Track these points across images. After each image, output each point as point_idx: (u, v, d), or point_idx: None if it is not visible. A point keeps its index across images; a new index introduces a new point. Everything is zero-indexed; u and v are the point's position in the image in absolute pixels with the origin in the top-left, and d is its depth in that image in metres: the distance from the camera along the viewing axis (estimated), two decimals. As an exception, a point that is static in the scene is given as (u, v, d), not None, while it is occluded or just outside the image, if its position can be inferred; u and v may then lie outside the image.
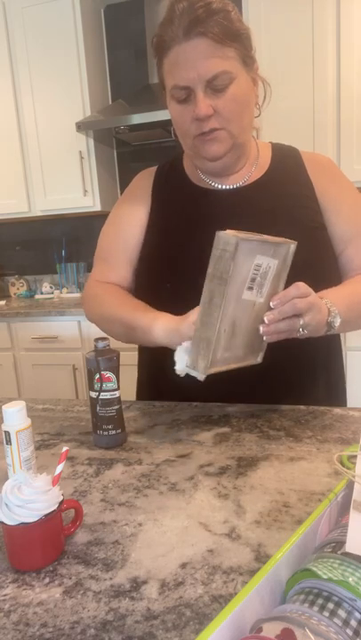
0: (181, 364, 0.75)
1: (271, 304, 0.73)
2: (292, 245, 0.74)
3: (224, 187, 0.96)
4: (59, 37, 2.61)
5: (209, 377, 0.73)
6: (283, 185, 0.96)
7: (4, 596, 0.49)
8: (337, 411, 0.89)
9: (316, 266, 0.89)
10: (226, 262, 0.66)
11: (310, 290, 0.74)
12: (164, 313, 0.84)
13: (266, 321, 0.72)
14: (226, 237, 0.66)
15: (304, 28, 2.29)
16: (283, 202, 0.94)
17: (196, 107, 0.82)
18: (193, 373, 0.73)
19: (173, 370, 0.76)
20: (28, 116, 2.74)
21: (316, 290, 0.76)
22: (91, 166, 2.71)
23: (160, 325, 0.82)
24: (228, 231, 0.66)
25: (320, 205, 0.95)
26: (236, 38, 0.82)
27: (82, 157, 2.69)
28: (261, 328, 0.73)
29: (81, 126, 2.53)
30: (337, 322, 0.79)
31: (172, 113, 0.89)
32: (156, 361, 0.82)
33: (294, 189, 0.95)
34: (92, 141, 2.69)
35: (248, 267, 0.69)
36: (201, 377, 0.72)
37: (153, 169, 1.06)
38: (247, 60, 0.85)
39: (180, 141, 0.93)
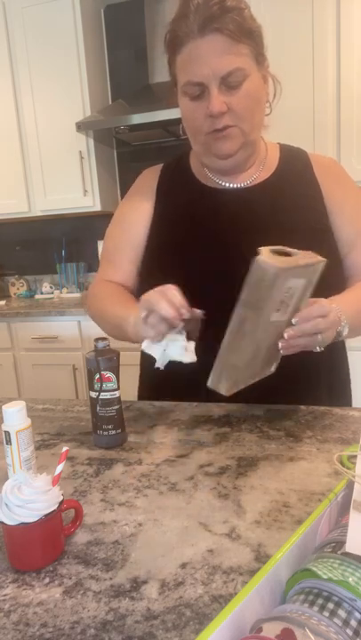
0: (159, 360, 0.76)
1: (293, 321, 0.71)
2: (322, 264, 0.71)
3: (231, 186, 0.96)
4: (59, 37, 2.61)
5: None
6: (290, 186, 0.95)
7: (4, 596, 0.49)
8: (337, 411, 0.89)
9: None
10: (263, 292, 0.63)
11: (331, 307, 0.73)
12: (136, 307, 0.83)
13: (285, 337, 0.71)
14: (265, 266, 0.62)
15: (304, 27, 2.29)
16: (289, 203, 0.94)
17: (210, 103, 0.82)
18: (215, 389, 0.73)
19: (173, 368, 0.76)
20: (28, 116, 2.74)
21: (322, 294, 0.76)
22: (91, 166, 2.71)
23: (132, 321, 0.83)
24: (266, 258, 0.62)
25: (326, 208, 0.95)
26: (249, 35, 0.82)
27: (82, 157, 2.69)
28: (280, 343, 0.72)
29: (81, 126, 2.53)
30: (345, 331, 0.78)
31: (183, 109, 0.88)
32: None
33: (301, 191, 0.95)
34: (92, 141, 2.69)
35: (281, 292, 0.67)
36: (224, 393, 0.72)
37: (158, 167, 1.05)
38: (259, 57, 0.86)
39: (190, 139, 0.92)
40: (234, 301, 0.72)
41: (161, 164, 1.05)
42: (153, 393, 1.04)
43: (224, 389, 0.71)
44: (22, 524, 0.51)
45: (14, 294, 3.25)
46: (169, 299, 0.73)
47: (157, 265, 0.97)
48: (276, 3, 2.29)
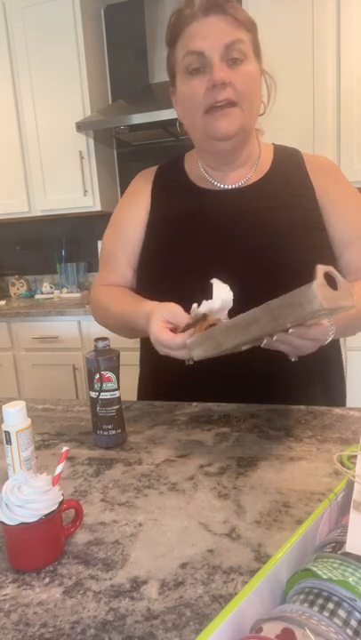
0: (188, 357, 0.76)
1: (290, 331, 0.70)
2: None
3: (225, 187, 0.97)
4: (59, 37, 2.61)
5: (209, 377, 0.72)
6: (283, 186, 0.96)
7: (4, 596, 0.49)
8: (337, 411, 0.89)
9: (311, 267, 0.89)
10: (294, 314, 0.62)
11: (328, 334, 0.73)
12: (146, 305, 0.84)
13: (273, 339, 0.71)
14: (314, 299, 0.59)
15: (304, 26, 2.29)
16: (282, 202, 0.94)
17: (212, 73, 0.83)
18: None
19: (174, 369, 0.77)
20: (28, 116, 2.74)
21: None
22: (91, 166, 2.71)
23: (143, 322, 0.82)
24: (319, 290, 0.59)
25: (320, 207, 0.95)
26: (248, 24, 0.86)
27: (82, 157, 2.69)
28: (266, 340, 0.71)
29: (81, 126, 2.53)
30: (329, 339, 0.77)
31: (183, 88, 0.88)
32: (155, 359, 0.82)
33: (294, 190, 0.95)
34: (92, 141, 2.69)
35: (308, 319, 0.66)
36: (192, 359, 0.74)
37: (153, 169, 1.06)
38: (257, 49, 0.88)
39: (187, 126, 0.93)
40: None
41: (156, 167, 1.06)
42: (153, 392, 1.04)
43: (196, 356, 0.73)
44: (22, 523, 0.51)
45: (14, 294, 3.25)
46: (177, 318, 0.76)
47: (153, 266, 0.97)
48: (276, 3, 2.29)
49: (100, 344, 0.79)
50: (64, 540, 0.56)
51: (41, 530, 0.52)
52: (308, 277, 0.74)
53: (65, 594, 0.49)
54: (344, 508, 0.51)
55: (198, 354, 0.73)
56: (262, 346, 0.72)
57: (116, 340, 0.95)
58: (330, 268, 0.63)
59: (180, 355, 0.75)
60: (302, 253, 0.89)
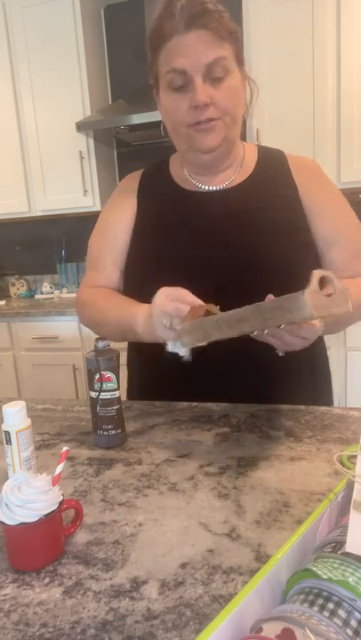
0: (182, 352, 0.77)
1: (281, 326, 0.71)
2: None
3: (210, 188, 0.98)
4: (59, 37, 2.61)
5: (199, 376, 0.75)
6: (267, 187, 0.97)
7: (4, 595, 0.49)
8: (337, 411, 0.89)
9: (297, 266, 0.90)
10: (284, 317, 0.62)
11: (317, 333, 0.73)
12: (142, 307, 0.84)
13: (264, 332, 0.71)
14: (303, 305, 0.60)
15: (304, 26, 2.29)
16: (266, 203, 0.95)
17: (194, 94, 0.83)
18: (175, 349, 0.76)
19: (161, 368, 0.78)
20: (28, 116, 2.74)
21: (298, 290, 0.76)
22: (91, 166, 2.71)
23: (141, 321, 0.83)
24: (311, 298, 0.59)
25: (304, 207, 0.96)
26: (231, 36, 0.84)
27: (82, 157, 2.69)
28: (256, 332, 0.72)
29: (81, 126, 2.53)
30: (319, 333, 0.78)
31: (166, 102, 0.88)
32: (142, 359, 0.82)
33: (278, 191, 0.97)
34: (92, 141, 2.69)
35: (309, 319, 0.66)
36: (184, 351, 0.76)
37: (139, 172, 1.07)
38: (239, 58, 0.88)
39: (170, 134, 0.93)
40: (216, 301, 0.73)
41: (141, 170, 1.07)
42: (139, 393, 1.04)
43: (186, 343, 0.75)
44: (22, 523, 0.51)
45: (14, 294, 3.25)
46: (184, 299, 0.75)
47: (140, 268, 0.98)
48: (276, 3, 2.29)
49: (100, 344, 0.79)
50: (64, 540, 0.56)
51: (41, 530, 0.52)
52: (293, 277, 0.74)
53: (65, 594, 0.49)
54: (344, 508, 0.51)
55: (187, 341, 0.74)
56: (252, 336, 0.73)
57: (117, 341, 0.95)
58: (327, 273, 0.63)
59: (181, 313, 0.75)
60: (288, 253, 0.91)
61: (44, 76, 2.68)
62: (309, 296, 0.59)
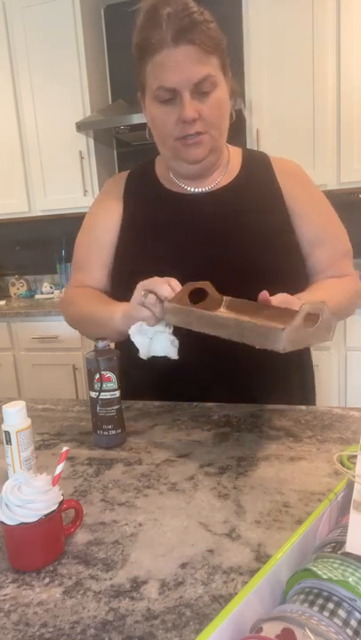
0: (143, 349, 0.79)
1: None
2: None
3: (196, 190, 0.98)
4: (59, 37, 2.61)
5: (186, 375, 0.79)
6: (252, 189, 0.98)
7: (4, 595, 0.49)
8: (337, 411, 0.89)
9: (282, 267, 0.92)
10: (258, 343, 0.64)
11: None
12: (124, 302, 0.86)
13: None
14: (279, 340, 0.62)
15: (304, 26, 2.29)
16: (251, 205, 0.96)
17: (183, 110, 0.83)
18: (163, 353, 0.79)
19: (147, 369, 0.80)
20: (28, 116, 2.74)
21: (285, 292, 0.77)
22: (91, 166, 2.71)
23: (119, 314, 0.85)
24: (288, 335, 0.61)
25: (288, 209, 0.98)
26: (217, 48, 0.84)
27: (82, 157, 2.69)
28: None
29: (81, 126, 2.53)
30: None
31: (153, 113, 0.89)
32: (128, 360, 0.83)
33: (263, 193, 0.98)
34: (92, 141, 2.69)
35: None
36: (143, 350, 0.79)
37: (125, 173, 1.08)
38: (225, 68, 0.88)
39: (157, 143, 0.94)
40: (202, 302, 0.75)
41: (127, 171, 1.08)
42: (125, 393, 1.05)
43: (167, 320, 0.77)
44: (22, 523, 0.51)
45: (14, 294, 3.25)
46: (170, 283, 0.77)
47: (127, 270, 0.98)
48: (276, 3, 2.29)
49: (100, 344, 0.80)
50: (64, 540, 0.56)
51: (41, 530, 0.52)
52: (278, 279, 0.75)
53: (65, 594, 0.49)
54: (344, 508, 0.51)
55: (170, 320, 0.76)
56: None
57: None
58: (318, 307, 0.65)
59: (163, 290, 0.76)
60: (273, 255, 0.92)
61: (44, 76, 2.68)
62: (289, 333, 0.61)
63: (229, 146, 1.03)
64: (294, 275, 0.95)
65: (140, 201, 1.02)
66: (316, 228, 0.98)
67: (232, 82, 0.91)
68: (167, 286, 0.77)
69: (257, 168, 1.01)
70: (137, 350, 0.81)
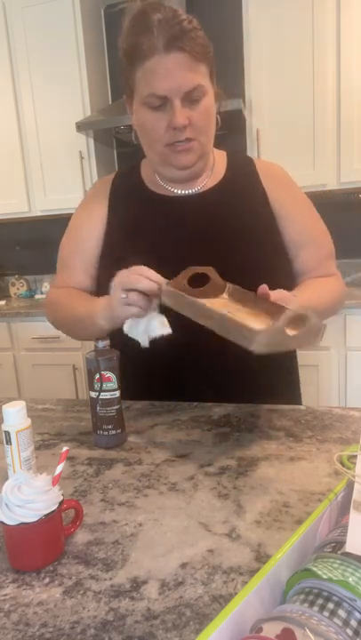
0: (143, 340, 0.79)
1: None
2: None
3: (182, 193, 0.99)
4: (59, 37, 2.61)
5: (169, 374, 0.82)
6: (237, 192, 1.00)
7: (4, 595, 0.49)
8: (337, 411, 0.89)
9: (269, 268, 0.94)
10: (236, 338, 0.65)
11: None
12: (104, 297, 0.85)
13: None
14: (252, 341, 0.62)
15: (304, 26, 2.29)
16: (237, 208, 0.98)
17: (174, 117, 0.84)
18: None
19: (136, 369, 0.82)
20: (28, 116, 2.74)
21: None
22: (91, 166, 2.71)
23: (99, 308, 0.84)
24: (263, 337, 0.62)
25: (273, 211, 0.99)
26: (206, 55, 0.85)
27: (82, 157, 2.69)
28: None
29: (81, 126, 2.52)
30: None
31: (142, 119, 0.89)
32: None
33: (248, 196, 0.99)
34: (92, 141, 2.69)
35: None
36: (142, 338, 0.79)
37: (110, 176, 1.09)
38: (212, 76, 0.90)
39: (145, 147, 0.95)
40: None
41: (113, 174, 1.09)
42: (129, 394, 1.05)
43: (163, 302, 0.77)
44: (22, 523, 0.51)
45: (14, 294, 3.25)
46: (145, 274, 0.77)
47: (112, 272, 0.98)
48: (276, 3, 2.29)
49: (100, 344, 0.80)
50: (64, 540, 0.56)
51: (41, 530, 0.52)
52: (264, 279, 0.75)
53: (65, 594, 0.49)
54: (344, 508, 0.51)
55: (166, 302, 0.76)
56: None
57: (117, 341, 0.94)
58: (305, 313, 0.65)
59: (144, 285, 0.75)
60: (260, 256, 0.94)
61: (44, 76, 2.68)
62: (264, 336, 0.62)
63: (215, 149, 1.04)
64: (281, 275, 0.97)
65: (126, 203, 1.02)
66: (302, 230, 1.01)
67: (216, 87, 0.92)
68: (146, 280, 0.76)
69: (242, 171, 1.03)
70: (134, 344, 0.81)
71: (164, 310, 0.79)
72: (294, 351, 1.07)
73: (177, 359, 0.89)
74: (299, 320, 0.67)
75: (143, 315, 0.78)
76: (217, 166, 1.02)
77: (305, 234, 1.01)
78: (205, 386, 0.97)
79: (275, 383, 1.01)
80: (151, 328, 0.79)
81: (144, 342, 0.79)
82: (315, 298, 0.94)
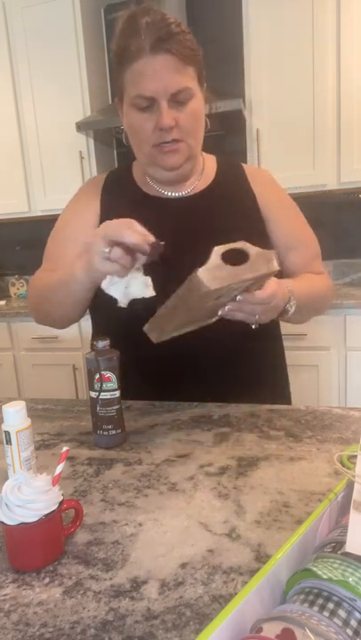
0: (121, 298, 0.75)
1: (238, 298, 0.72)
2: (274, 268, 0.70)
3: (173, 194, 1.00)
4: (59, 37, 2.61)
5: (165, 380, 0.84)
6: (227, 194, 1.01)
7: (4, 595, 0.49)
8: (337, 411, 0.89)
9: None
10: (195, 299, 0.65)
11: (275, 297, 0.76)
12: (82, 257, 0.82)
13: (226, 309, 0.74)
14: (198, 285, 0.62)
15: (304, 26, 2.29)
16: (226, 210, 0.99)
17: (160, 118, 0.85)
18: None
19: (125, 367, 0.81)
20: (28, 116, 2.74)
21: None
22: (91, 166, 2.71)
23: (78, 260, 0.81)
24: (204, 274, 0.62)
25: (262, 215, 1.01)
26: (194, 58, 0.86)
27: (82, 157, 2.69)
28: (220, 311, 0.74)
29: (81, 126, 2.53)
30: (292, 310, 0.84)
31: (131, 120, 0.90)
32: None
33: (237, 199, 1.01)
34: (92, 141, 2.69)
35: (214, 297, 0.67)
36: (121, 297, 0.76)
37: (103, 175, 1.08)
38: (201, 79, 0.90)
39: (134, 148, 0.95)
40: None
41: (104, 175, 1.08)
42: (129, 394, 1.05)
43: (153, 338, 0.76)
44: (22, 523, 0.51)
45: (14, 294, 3.25)
46: (132, 227, 0.72)
47: None
48: (276, 2, 2.29)
49: (100, 344, 0.79)
50: (64, 540, 0.56)
51: (41, 530, 0.52)
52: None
53: (65, 594, 0.49)
54: (344, 508, 0.51)
55: (155, 338, 0.76)
56: (220, 314, 0.75)
57: (117, 341, 0.94)
58: (235, 245, 0.65)
59: (130, 238, 0.71)
60: None
61: (44, 76, 2.68)
62: (203, 273, 0.62)
63: (204, 153, 1.05)
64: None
65: (117, 204, 1.02)
66: (290, 232, 1.04)
67: (206, 91, 0.93)
68: (135, 233, 0.71)
69: (231, 175, 1.04)
70: (134, 343, 0.79)
71: (150, 271, 0.74)
72: (278, 333, 1.08)
73: (176, 358, 0.89)
74: (239, 254, 0.66)
75: (123, 275, 0.73)
76: (207, 169, 1.03)
77: (293, 236, 1.04)
78: (186, 385, 0.98)
79: (258, 367, 1.01)
80: (133, 289, 0.74)
81: (123, 301, 0.75)
82: (304, 285, 0.96)
